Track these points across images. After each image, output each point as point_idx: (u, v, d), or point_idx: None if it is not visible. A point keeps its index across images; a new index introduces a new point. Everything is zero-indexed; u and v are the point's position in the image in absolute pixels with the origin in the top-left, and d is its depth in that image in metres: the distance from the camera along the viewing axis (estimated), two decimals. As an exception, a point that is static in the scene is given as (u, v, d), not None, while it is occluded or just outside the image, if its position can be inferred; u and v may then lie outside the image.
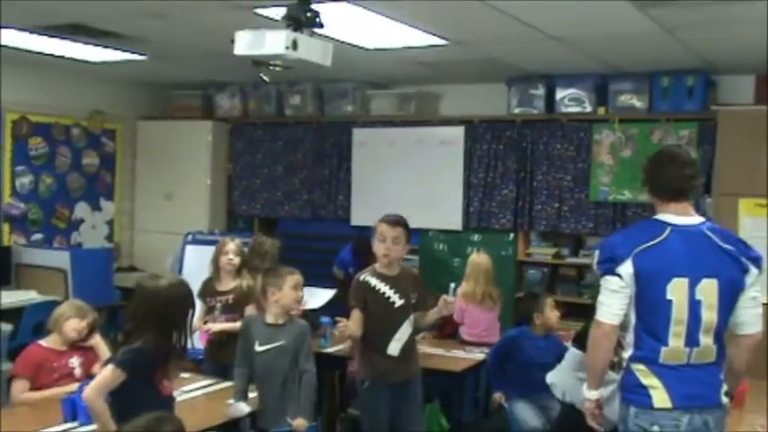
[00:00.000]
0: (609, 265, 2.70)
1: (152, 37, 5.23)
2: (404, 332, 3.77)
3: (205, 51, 5.61)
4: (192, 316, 2.94)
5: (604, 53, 5.31)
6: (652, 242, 2.67)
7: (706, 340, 2.70)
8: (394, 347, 3.74)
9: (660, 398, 2.67)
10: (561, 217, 6.19)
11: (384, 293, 3.76)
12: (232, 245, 4.62)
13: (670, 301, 2.64)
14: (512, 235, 6.37)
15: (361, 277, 3.82)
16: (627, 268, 2.66)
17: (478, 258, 5.45)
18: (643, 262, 2.64)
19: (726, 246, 2.73)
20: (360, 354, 3.86)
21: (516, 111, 6.29)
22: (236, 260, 4.57)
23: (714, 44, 4.87)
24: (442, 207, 6.51)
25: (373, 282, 3.78)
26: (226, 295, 4.55)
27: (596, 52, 5.28)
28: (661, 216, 2.76)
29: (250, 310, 4.38)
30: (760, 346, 2.86)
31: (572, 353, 3.62)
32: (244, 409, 3.55)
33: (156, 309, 2.83)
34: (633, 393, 2.73)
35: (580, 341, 3.59)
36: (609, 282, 2.69)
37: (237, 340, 3.76)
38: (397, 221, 3.80)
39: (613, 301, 2.69)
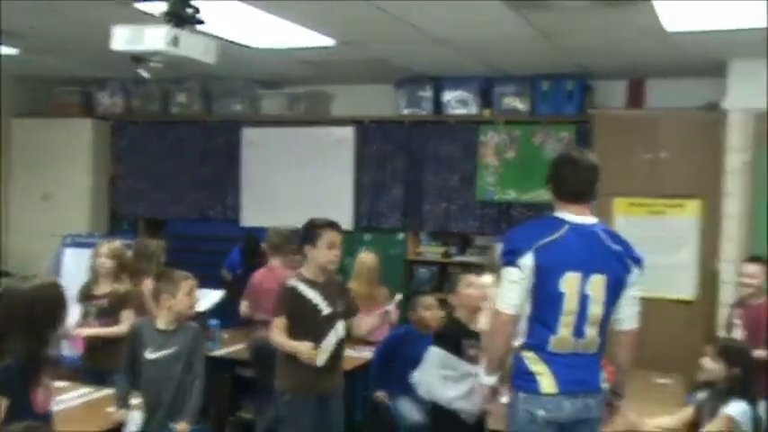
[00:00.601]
0: (510, 258, 2.79)
1: (25, 30, 5.00)
2: (330, 341, 3.59)
3: (84, 46, 5.41)
4: (63, 319, 2.75)
5: (489, 57, 5.47)
6: (551, 237, 2.79)
7: (591, 332, 2.85)
8: (320, 358, 3.55)
9: (547, 384, 2.80)
10: (449, 217, 6.33)
11: (312, 300, 3.59)
12: (104, 248, 4.49)
13: (562, 293, 2.77)
14: (402, 234, 6.46)
15: (289, 283, 3.64)
16: (527, 261, 2.76)
17: (364, 257, 5.46)
18: (542, 256, 2.76)
19: (614, 246, 2.89)
20: (281, 363, 3.63)
21: (405, 112, 6.38)
22: (109, 263, 4.44)
23: (589, 50, 5.11)
24: (333, 207, 6.47)
25: (301, 288, 3.60)
26: (101, 299, 4.42)
27: (481, 56, 5.43)
28: (560, 214, 2.89)
29: (127, 314, 4.28)
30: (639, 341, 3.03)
31: (433, 351, 3.62)
32: (137, 418, 3.42)
33: (20, 311, 2.60)
34: (522, 380, 2.85)
35: (440, 339, 3.65)
36: (509, 273, 2.78)
37: (116, 346, 3.63)
38: (340, 227, 3.71)
39: (512, 292, 2.78)
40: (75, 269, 5.91)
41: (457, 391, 3.54)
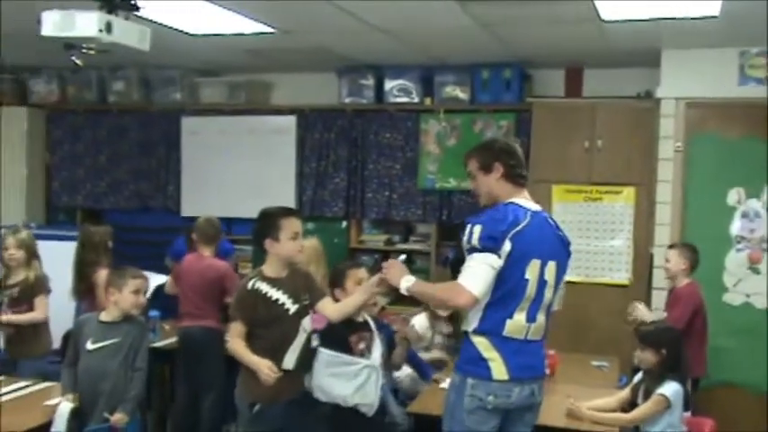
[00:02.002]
0: (492, 243, 2.75)
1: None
2: (299, 341, 3.35)
3: (13, 31, 5.22)
4: None
5: (429, 46, 5.49)
6: (521, 225, 2.81)
7: (541, 317, 2.91)
8: (289, 360, 3.30)
9: (498, 370, 2.81)
10: (392, 205, 6.35)
11: (277, 300, 3.31)
12: (10, 239, 4.43)
13: (527, 279, 2.81)
14: (344, 223, 6.46)
15: (250, 285, 3.31)
16: (506, 247, 2.76)
17: (313, 243, 5.40)
18: (516, 243, 2.77)
19: (559, 232, 2.99)
20: (245, 373, 3.31)
21: (347, 100, 6.37)
22: (18, 254, 4.39)
23: (527, 40, 5.17)
24: (275, 196, 6.42)
25: (264, 288, 3.31)
26: (11, 289, 4.38)
27: (422, 45, 5.44)
28: (517, 200, 2.91)
29: (40, 300, 4.31)
30: (558, 320, 3.13)
31: (320, 353, 3.45)
32: (65, 411, 3.35)
33: None
34: (472, 365, 2.84)
35: (326, 339, 3.48)
36: (489, 259, 2.75)
37: (29, 333, 3.67)
38: (299, 212, 3.50)
39: (489, 276, 2.76)
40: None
41: (351, 388, 3.41)
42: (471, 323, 2.87)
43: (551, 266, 2.89)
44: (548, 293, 2.90)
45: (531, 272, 2.83)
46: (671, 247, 4.74)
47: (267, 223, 3.35)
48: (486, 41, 5.16)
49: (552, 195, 5.53)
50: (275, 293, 3.31)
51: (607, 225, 5.49)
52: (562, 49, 5.41)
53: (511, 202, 2.91)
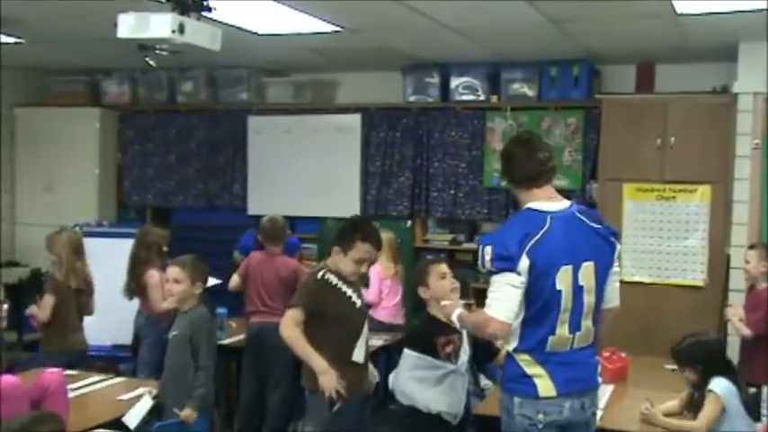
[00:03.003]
0: (508, 263, 2.62)
1: (30, 19, 4.98)
2: (365, 336, 3.37)
3: (89, 35, 5.38)
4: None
5: (496, 43, 5.43)
6: (540, 233, 2.64)
7: (586, 323, 2.75)
8: (359, 353, 3.31)
9: (545, 386, 2.69)
10: (457, 203, 6.31)
11: (345, 293, 3.35)
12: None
13: (560, 290, 2.65)
14: (409, 222, 6.44)
15: (320, 275, 3.33)
16: (524, 263, 2.61)
17: (388, 236, 5.38)
18: (536, 255, 2.62)
19: (596, 226, 2.79)
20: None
21: (412, 99, 6.35)
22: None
23: (597, 36, 5.07)
24: (340, 195, 6.52)
25: (334, 280, 3.34)
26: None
27: (488, 42, 5.39)
28: (534, 205, 2.74)
29: (44, 301, 4.47)
30: (618, 319, 2.93)
31: (406, 354, 3.43)
32: (146, 404, 3.42)
33: None
34: (517, 383, 2.73)
35: (412, 341, 3.47)
36: (509, 278, 2.62)
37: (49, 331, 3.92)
38: (380, 241, 3.48)
39: (513, 297, 2.63)
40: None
41: (436, 393, 3.35)
42: (512, 342, 2.74)
43: (587, 268, 2.71)
44: (588, 298, 2.72)
45: (563, 281, 2.66)
46: (751, 247, 4.56)
47: (347, 234, 3.36)
48: (554, 37, 5.08)
49: (623, 194, 5.41)
50: (344, 287, 3.35)
51: (681, 224, 5.33)
52: (634, 45, 5.29)
53: (528, 208, 2.75)
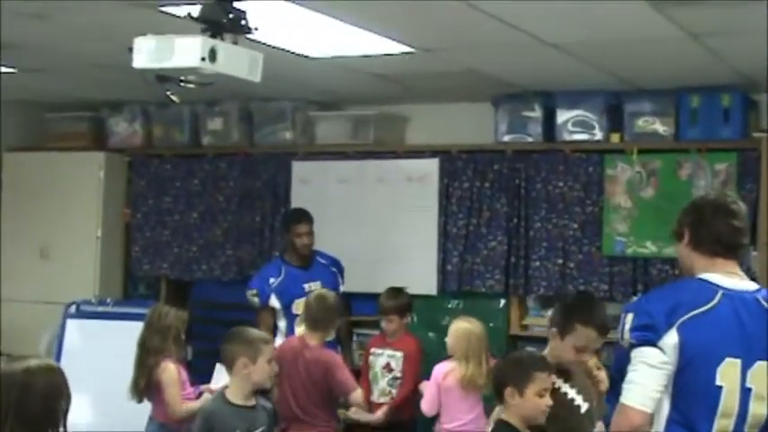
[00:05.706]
0: (647, 334, 2.70)
1: (24, 43, 5.22)
2: None
3: (94, 62, 5.61)
4: (67, 410, 2.86)
5: (617, 65, 5.47)
6: (701, 309, 2.71)
7: None
8: None
9: None
10: (566, 276, 6.28)
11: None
12: None
13: (720, 387, 2.69)
14: (502, 301, 6.44)
15: None
16: (670, 339, 2.68)
17: (469, 325, 5.33)
18: (691, 334, 2.67)
19: None
20: None
21: (506, 138, 6.41)
22: None
23: (752, 55, 5.04)
24: (411, 265, 6.55)
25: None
26: None
27: (607, 64, 5.43)
28: (707, 276, 2.82)
29: None
30: None
31: None
32: None
33: (11, 401, 2.70)
34: None
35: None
36: (646, 355, 2.70)
37: None
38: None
39: (650, 380, 2.70)
40: (79, 346, 6.08)
41: None
42: None
43: (759, 369, 2.73)
44: (756, 407, 2.74)
45: (726, 377, 2.69)
46: None
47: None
48: (695, 57, 5.09)
49: (792, 264, 5.32)
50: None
51: None
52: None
53: (700, 278, 2.82)
